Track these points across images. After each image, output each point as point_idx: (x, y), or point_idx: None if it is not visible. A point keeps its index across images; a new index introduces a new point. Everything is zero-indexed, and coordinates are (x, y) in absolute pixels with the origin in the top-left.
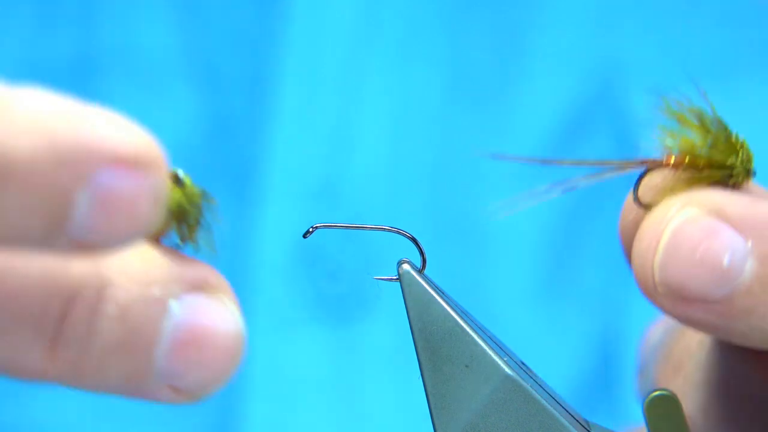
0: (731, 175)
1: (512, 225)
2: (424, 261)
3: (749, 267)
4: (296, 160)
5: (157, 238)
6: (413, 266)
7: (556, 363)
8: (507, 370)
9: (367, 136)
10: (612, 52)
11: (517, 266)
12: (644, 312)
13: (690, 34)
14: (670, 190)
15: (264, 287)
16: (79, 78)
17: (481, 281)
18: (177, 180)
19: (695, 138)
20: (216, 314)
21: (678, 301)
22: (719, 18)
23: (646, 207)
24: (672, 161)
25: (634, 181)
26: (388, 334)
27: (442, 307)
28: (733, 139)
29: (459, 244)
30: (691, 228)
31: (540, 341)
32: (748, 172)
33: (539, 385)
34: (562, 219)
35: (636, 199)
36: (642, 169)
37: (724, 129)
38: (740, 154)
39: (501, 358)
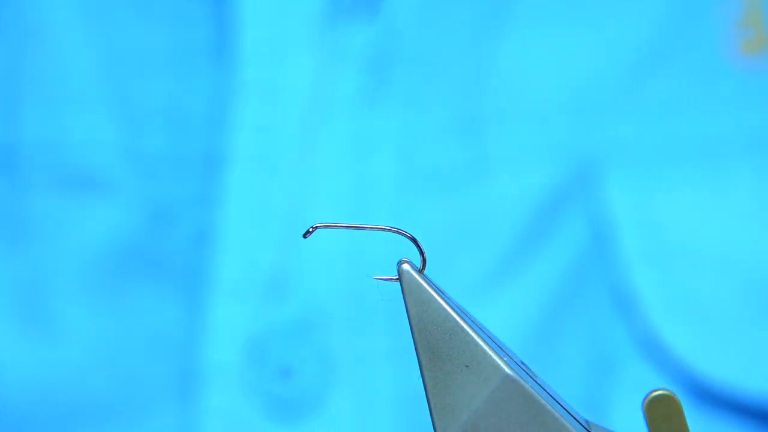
0: None
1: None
2: (424, 261)
3: None
4: (246, 250)
5: None
6: (413, 266)
7: None
8: (507, 370)
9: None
10: (585, 140)
11: None
12: (625, 415)
13: (672, 118)
14: None
15: (215, 387)
16: (4, 170)
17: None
18: None
19: None
20: None
21: None
22: (701, 103)
23: None
24: None
25: None
26: (344, 430)
27: (442, 307)
28: None
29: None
30: None
31: None
32: None
33: (539, 385)
34: (535, 319)
35: None
36: None
37: None
38: None
39: (501, 358)
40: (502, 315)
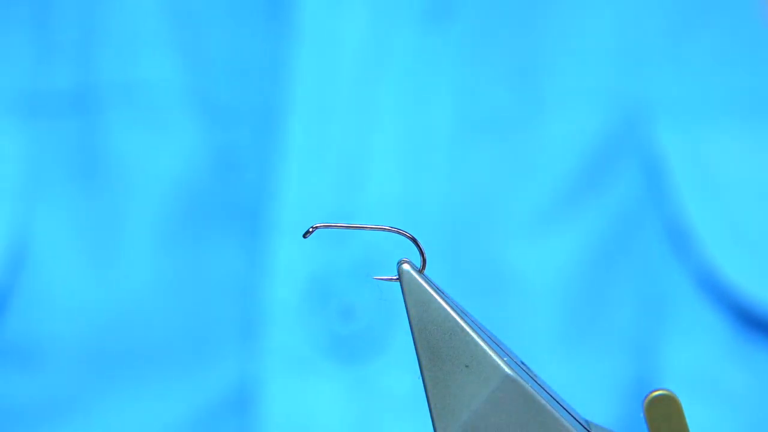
0: None
1: (535, 267)
2: (424, 261)
3: None
4: (306, 195)
5: None
6: (413, 266)
7: (585, 412)
8: (507, 370)
9: (379, 171)
10: (635, 87)
11: (541, 311)
12: (677, 356)
13: (715, 70)
14: None
15: (277, 327)
16: (78, 111)
17: (502, 327)
18: None
19: None
20: None
21: None
22: (744, 55)
23: None
24: None
25: None
26: (405, 371)
27: (442, 307)
28: None
29: (478, 286)
30: None
31: (568, 389)
32: None
33: (539, 385)
34: (587, 261)
35: None
36: None
37: None
38: None
39: (501, 358)
40: (556, 255)
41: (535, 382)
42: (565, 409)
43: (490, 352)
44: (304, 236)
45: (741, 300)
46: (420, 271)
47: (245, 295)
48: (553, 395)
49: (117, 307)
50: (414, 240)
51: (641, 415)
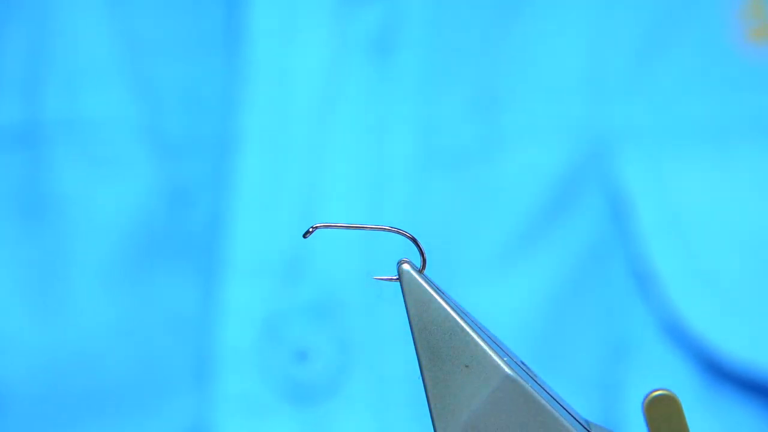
0: None
1: (496, 306)
2: (424, 261)
3: None
4: (260, 232)
5: None
6: (413, 266)
7: None
8: (507, 370)
9: (335, 207)
10: (598, 118)
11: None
12: (641, 398)
13: (682, 99)
14: None
15: (231, 369)
16: (24, 147)
17: None
18: None
19: None
20: None
21: None
22: (711, 83)
23: None
24: None
25: None
26: (361, 412)
27: (442, 307)
28: None
29: None
30: None
31: None
32: None
33: (539, 386)
34: (548, 300)
35: None
36: None
37: None
38: None
39: (501, 358)
40: (517, 293)
41: (535, 382)
42: (565, 409)
43: (490, 352)
44: (304, 236)
45: (705, 348)
46: (420, 271)
47: (199, 336)
48: (553, 395)
49: (66, 350)
50: (414, 240)
51: (641, 415)
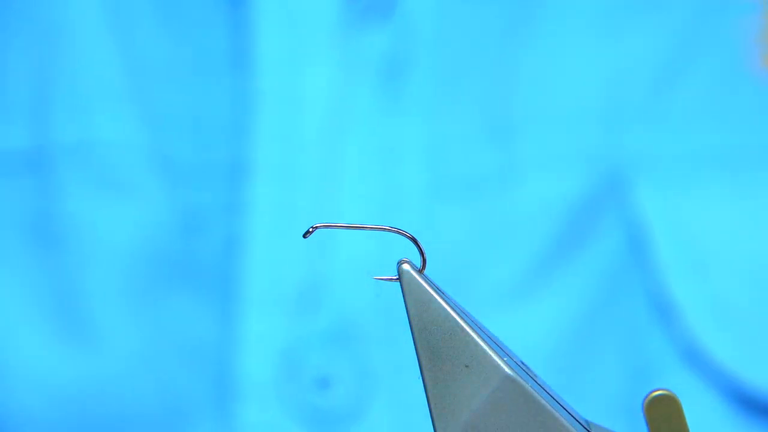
0: None
1: (514, 335)
2: (424, 261)
3: None
4: (275, 256)
5: None
6: (413, 266)
7: None
8: (507, 370)
9: (348, 232)
10: (615, 147)
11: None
12: None
13: (699, 127)
14: None
15: (251, 398)
16: (33, 173)
17: None
18: None
19: None
20: None
21: None
22: (728, 111)
23: None
24: None
25: None
26: None
27: (442, 307)
28: None
29: None
30: None
31: None
32: None
33: (539, 386)
34: (567, 330)
35: None
36: None
37: None
38: None
39: (501, 358)
40: (534, 324)
41: (535, 382)
42: (565, 409)
43: (490, 352)
44: (304, 236)
45: (726, 376)
46: (420, 271)
47: (218, 364)
48: (553, 395)
49: (85, 379)
50: (414, 240)
51: (641, 415)
